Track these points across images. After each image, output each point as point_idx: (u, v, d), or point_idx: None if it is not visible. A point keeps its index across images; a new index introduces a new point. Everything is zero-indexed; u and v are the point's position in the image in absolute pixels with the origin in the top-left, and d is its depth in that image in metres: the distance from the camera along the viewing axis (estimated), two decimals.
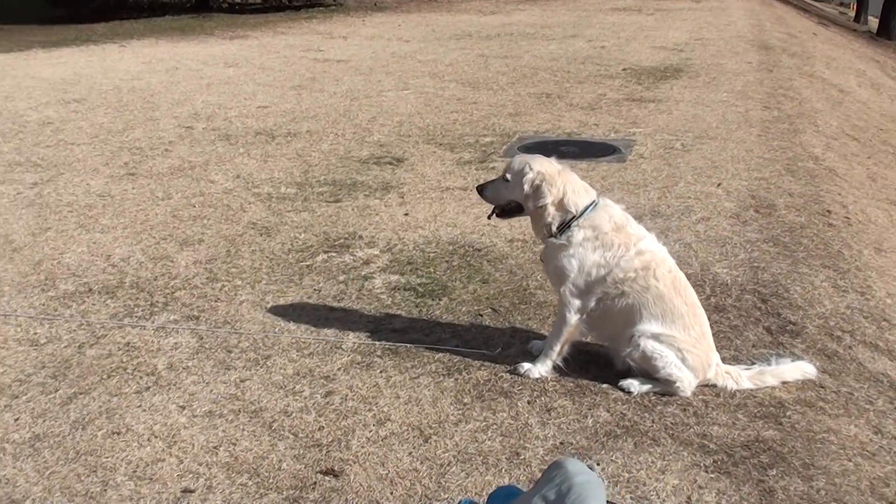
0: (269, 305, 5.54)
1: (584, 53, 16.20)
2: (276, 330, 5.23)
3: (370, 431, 4.14)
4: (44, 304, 5.60)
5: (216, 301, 5.60)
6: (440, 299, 5.57)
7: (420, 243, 6.49)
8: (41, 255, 6.40)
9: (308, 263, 6.18)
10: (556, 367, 4.56)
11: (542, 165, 4.39)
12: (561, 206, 4.36)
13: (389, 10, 24.51)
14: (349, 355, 4.89)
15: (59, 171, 8.47)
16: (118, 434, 4.21)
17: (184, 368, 4.79)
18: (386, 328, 5.21)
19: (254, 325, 5.29)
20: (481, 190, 4.67)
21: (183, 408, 4.41)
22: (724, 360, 4.58)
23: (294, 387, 4.60)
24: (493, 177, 4.90)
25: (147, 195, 7.71)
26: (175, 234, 6.76)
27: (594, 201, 4.41)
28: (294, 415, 4.32)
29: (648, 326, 4.25)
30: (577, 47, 17.12)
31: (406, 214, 7.15)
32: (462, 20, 21.51)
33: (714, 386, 4.42)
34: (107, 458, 4.01)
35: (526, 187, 4.40)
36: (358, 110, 11.09)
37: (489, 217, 4.69)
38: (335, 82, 13.14)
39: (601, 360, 4.64)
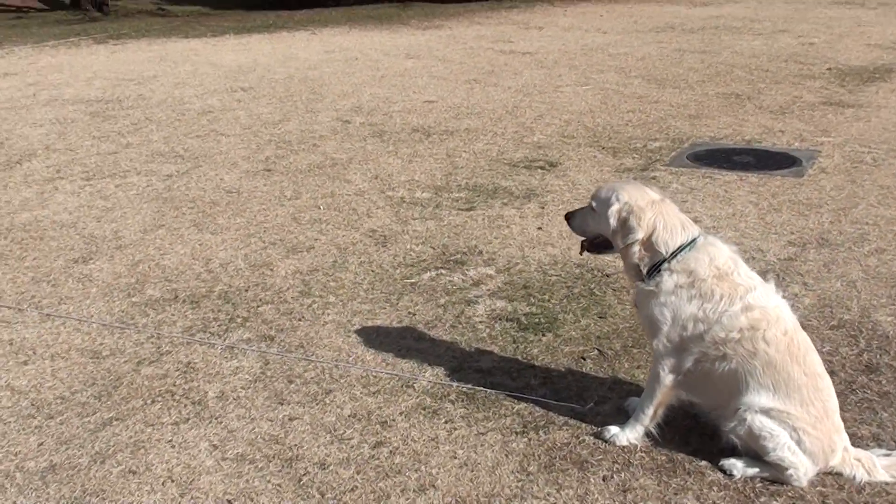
0: (353, 328, 5.19)
1: (789, 50, 15.01)
2: (350, 359, 4.86)
3: (406, 500, 3.67)
4: (123, 311, 5.50)
5: (299, 320, 5.31)
6: (543, 335, 5.02)
7: (545, 263, 5.95)
8: (141, 256, 6.35)
9: (413, 281, 5.79)
10: (648, 434, 3.94)
11: (632, 195, 3.82)
12: (649, 244, 3.78)
13: (598, 0, 23.82)
14: (418, 397, 4.45)
15: (197, 163, 8.53)
16: (133, 473, 3.97)
17: (234, 399, 4.51)
18: (471, 366, 4.72)
19: (328, 351, 4.95)
20: (569, 218, 4.12)
21: (215, 447, 4.12)
22: (859, 438, 3.87)
23: (344, 432, 4.21)
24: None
25: (275, 194, 7.58)
26: (286, 238, 6.56)
27: (693, 240, 3.78)
28: (330, 468, 3.94)
29: (756, 399, 3.59)
30: (782, 43, 15.89)
31: (539, 228, 6.63)
32: (668, 12, 20.55)
33: (839, 475, 3.67)
34: (112, 500, 3.76)
35: (612, 220, 3.85)
36: (527, 107, 10.62)
37: (580, 252, 4.11)
38: (513, 76, 12.72)
39: (707, 430, 3.94)
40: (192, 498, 3.78)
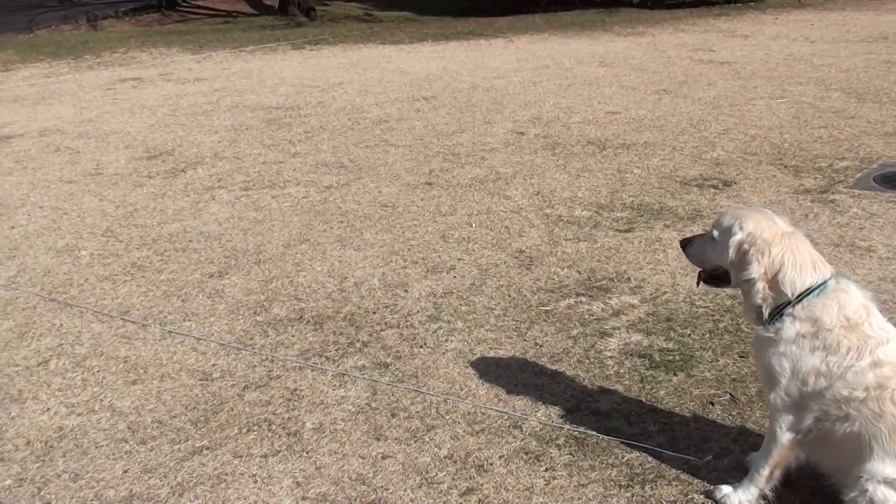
0: (473, 358, 5.04)
1: None
2: (462, 393, 4.71)
3: None
4: (244, 331, 5.57)
5: (420, 346, 5.21)
6: (675, 374, 4.70)
7: (695, 293, 5.60)
8: (278, 272, 6.43)
9: (549, 308, 5.57)
10: (763, 497, 3.61)
11: (759, 225, 3.51)
12: (774, 283, 3.46)
13: (812, 7, 22.49)
14: (523, 439, 4.25)
15: (360, 174, 8.60)
16: None
17: (331, 432, 4.44)
18: (588, 407, 4.48)
19: (441, 382, 4.82)
20: (685, 246, 3.86)
21: (298, 484, 4.07)
22: None
23: (435, 475, 4.07)
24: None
25: (430, 209, 7.52)
26: (429, 258, 6.48)
27: (824, 283, 3.43)
28: None
29: (881, 467, 3.23)
30: None
31: None
32: (885, 21, 19.11)
33: None
34: None
35: (731, 252, 3.55)
36: (713, 120, 10.13)
37: (697, 283, 3.82)
38: (706, 87, 12.18)
39: (832, 494, 3.55)
40: None
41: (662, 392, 4.54)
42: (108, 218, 7.74)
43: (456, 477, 4.02)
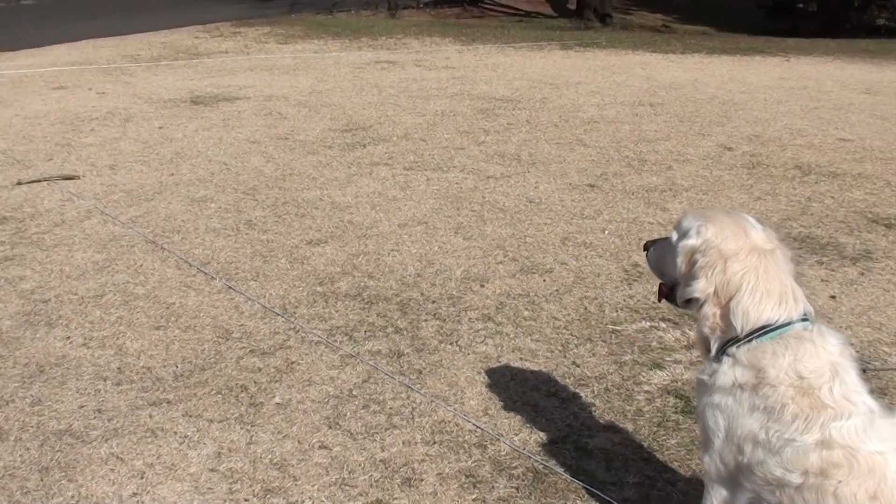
0: (493, 366, 4.62)
1: None
2: (451, 399, 4.27)
3: None
4: (296, 298, 5.41)
5: (450, 343, 4.86)
6: (696, 422, 3.93)
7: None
8: (373, 248, 6.22)
9: (618, 328, 5.02)
10: None
11: (722, 232, 2.79)
12: (726, 311, 2.72)
13: None
14: (478, 460, 3.83)
15: (527, 168, 8.21)
16: (115, 459, 3.74)
17: (291, 411, 4.17)
18: (577, 441, 4.01)
19: (440, 384, 4.47)
20: (647, 248, 3.17)
21: (218, 455, 3.84)
22: None
23: (356, 478, 3.72)
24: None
25: (574, 210, 7.00)
26: (533, 257, 6.01)
27: (787, 323, 2.66)
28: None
29: None
30: None
31: (833, 297, 5.32)
32: None
33: None
34: (74, 480, 3.67)
35: (679, 259, 2.86)
36: None
37: (658, 298, 3.11)
38: None
39: None
40: (139, 500, 3.40)
41: (673, 441, 3.84)
42: (260, 178, 7.73)
43: (374, 485, 3.61)
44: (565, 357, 4.63)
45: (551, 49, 16.28)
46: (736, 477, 2.64)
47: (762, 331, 2.65)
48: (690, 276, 2.78)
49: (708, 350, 2.79)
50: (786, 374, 2.57)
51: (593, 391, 4.28)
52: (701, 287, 2.71)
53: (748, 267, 2.70)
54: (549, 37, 18.24)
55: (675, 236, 2.90)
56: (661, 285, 3.03)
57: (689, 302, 2.82)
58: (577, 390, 4.30)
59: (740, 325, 2.66)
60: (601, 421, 4.05)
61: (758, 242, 2.74)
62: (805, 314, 2.69)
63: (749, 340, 2.64)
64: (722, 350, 2.72)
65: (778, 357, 2.59)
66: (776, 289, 2.67)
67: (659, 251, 3.02)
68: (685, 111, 10.65)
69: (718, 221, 2.79)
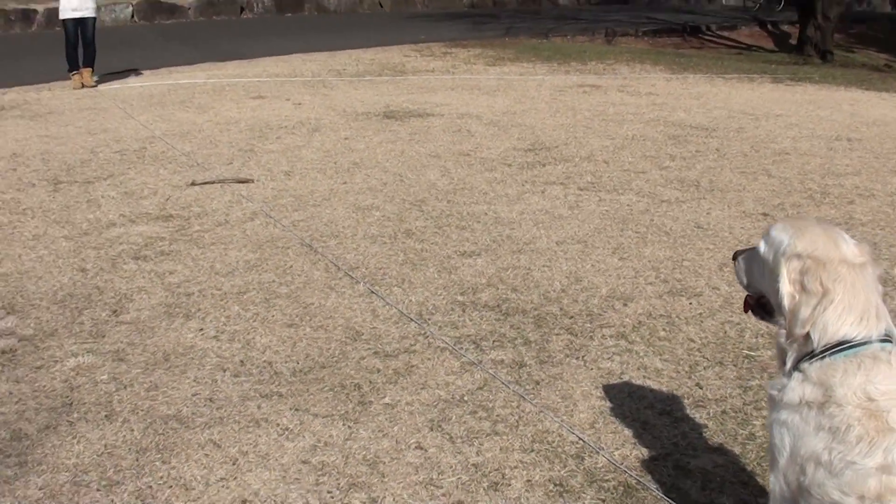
0: (614, 382, 4.55)
1: None
2: (561, 410, 4.23)
3: None
4: (434, 306, 5.53)
5: (576, 358, 4.84)
6: None
7: None
8: (525, 263, 6.26)
9: (753, 353, 4.87)
10: None
11: (815, 242, 2.66)
12: (805, 326, 2.57)
13: None
14: (571, 470, 3.79)
15: (704, 195, 8.04)
16: (213, 445, 3.94)
17: (396, 411, 4.29)
18: (679, 460, 3.91)
19: (555, 396, 4.45)
20: (736, 257, 3.04)
21: (313, 448, 3.94)
22: None
23: (444, 479, 3.75)
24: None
25: (741, 237, 6.80)
26: (685, 280, 5.93)
27: (867, 341, 2.51)
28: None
29: None
30: None
31: None
32: None
33: None
34: (167, 462, 3.85)
35: (766, 270, 2.74)
36: None
37: (745, 310, 2.99)
38: None
39: None
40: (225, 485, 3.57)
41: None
42: (431, 191, 7.90)
43: (460, 487, 3.66)
44: (690, 378, 4.51)
45: (761, 82, 15.81)
46: (797, 499, 2.50)
47: (838, 347, 2.48)
48: (779, 289, 2.63)
49: (784, 364, 2.65)
50: (854, 394, 2.43)
51: (709, 413, 4.16)
52: (787, 295, 2.58)
53: (837, 279, 2.55)
54: (763, 70, 17.70)
55: (763, 246, 2.77)
56: (747, 297, 2.91)
57: (773, 314, 2.68)
58: (693, 411, 4.18)
59: (818, 338, 2.53)
60: (709, 442, 3.93)
61: (847, 255, 2.61)
62: (887, 334, 2.52)
63: (822, 357, 2.50)
64: (796, 366, 2.57)
65: (849, 376, 2.46)
66: (860, 305, 2.54)
67: (747, 261, 2.90)
68: (883, 148, 10.12)
69: (810, 231, 2.67)
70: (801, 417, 2.51)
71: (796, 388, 2.53)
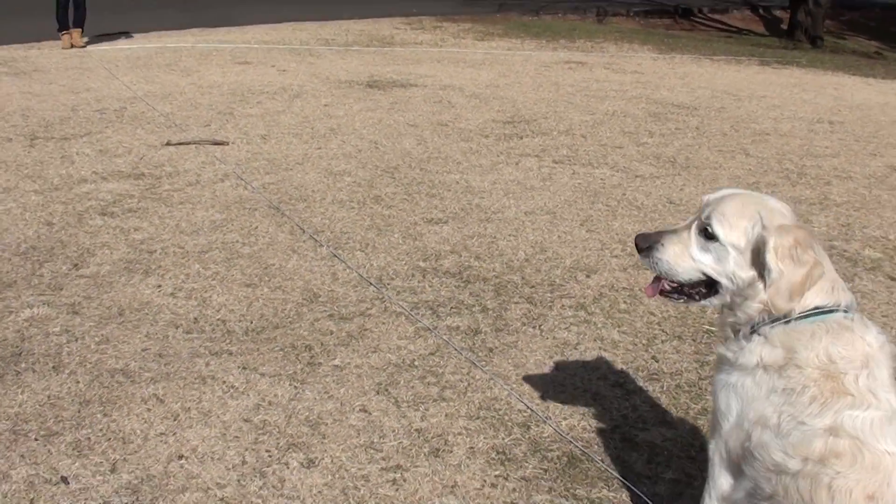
0: (569, 354, 4.45)
1: None
2: (512, 378, 4.14)
3: None
4: (395, 271, 5.38)
5: (533, 327, 4.68)
6: None
7: None
8: (492, 231, 6.15)
9: (712, 329, 4.70)
10: None
11: (785, 215, 2.60)
12: (794, 298, 2.51)
13: None
14: (516, 439, 3.72)
15: (678, 172, 7.94)
16: (157, 400, 3.86)
17: (343, 373, 4.14)
18: (628, 432, 3.87)
19: (508, 364, 4.32)
20: (648, 248, 2.74)
21: (256, 407, 3.86)
22: None
23: (385, 443, 3.69)
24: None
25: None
26: None
27: (831, 310, 2.49)
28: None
29: None
30: None
31: None
32: None
33: None
34: (107, 414, 3.76)
35: (739, 257, 2.58)
36: None
37: (653, 293, 2.80)
38: None
39: None
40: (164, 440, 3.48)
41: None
42: (405, 158, 7.81)
43: (401, 451, 3.59)
44: (647, 351, 4.44)
45: (748, 64, 15.71)
46: (740, 465, 2.44)
47: (808, 313, 2.46)
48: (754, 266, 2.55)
49: (735, 332, 2.56)
50: (817, 356, 2.40)
51: (663, 386, 4.09)
52: (775, 270, 2.47)
53: (820, 248, 2.53)
54: (751, 52, 17.59)
55: (720, 227, 2.60)
56: (661, 283, 2.75)
57: (713, 293, 2.61)
58: (647, 384, 4.11)
59: (798, 306, 2.45)
60: (660, 416, 3.86)
61: (806, 229, 2.54)
62: (848, 305, 2.47)
63: (787, 321, 2.43)
64: (754, 330, 2.50)
65: (815, 339, 2.43)
66: (829, 274, 2.47)
67: (678, 248, 2.70)
68: (864, 131, 10.05)
69: (771, 209, 2.57)
70: (753, 381, 2.48)
71: (755, 350, 2.50)
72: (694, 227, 2.65)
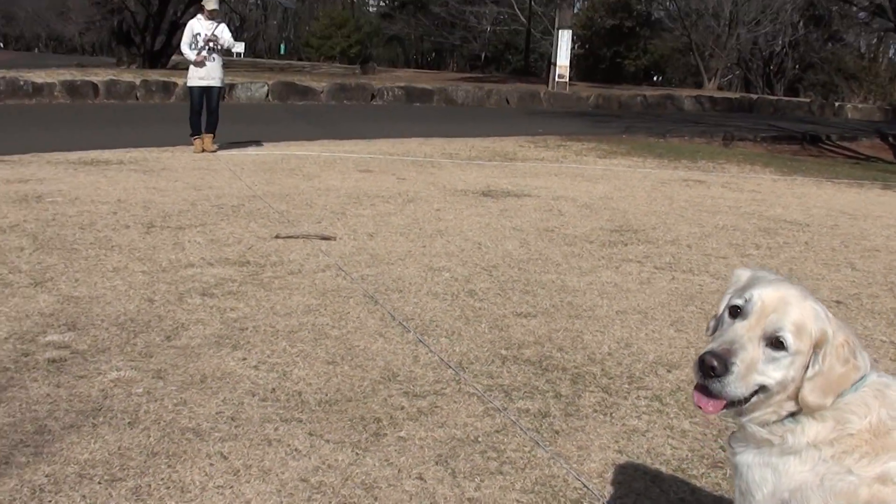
0: (631, 445, 4.36)
1: None
2: (574, 458, 4.11)
3: None
4: (475, 356, 5.46)
5: (605, 415, 4.63)
6: None
7: None
8: (580, 327, 6.15)
9: None
10: None
11: (827, 311, 2.47)
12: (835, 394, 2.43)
13: None
14: None
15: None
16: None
17: (405, 445, 4.17)
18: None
19: (572, 446, 4.25)
20: (719, 375, 2.35)
21: (302, 480, 3.90)
22: None
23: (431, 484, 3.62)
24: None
25: None
26: None
27: (863, 377, 2.40)
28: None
29: None
30: None
31: None
32: None
33: None
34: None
35: (832, 354, 2.40)
36: None
37: (717, 410, 2.45)
38: None
39: None
40: (220, 492, 3.59)
41: None
42: (506, 259, 7.93)
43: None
44: (716, 441, 4.36)
45: (871, 187, 15.43)
46: None
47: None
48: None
49: (763, 425, 2.44)
50: (870, 423, 2.31)
51: (725, 473, 3.98)
52: (825, 370, 2.39)
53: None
54: (874, 177, 17.28)
55: (789, 339, 2.36)
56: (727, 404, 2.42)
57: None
58: (709, 471, 4.02)
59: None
60: (717, 501, 3.73)
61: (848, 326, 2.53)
62: (871, 364, 2.44)
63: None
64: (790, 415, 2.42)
65: (868, 408, 2.34)
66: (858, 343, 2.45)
67: (748, 367, 2.37)
68: None
69: (814, 302, 2.45)
70: (799, 458, 2.35)
71: (807, 431, 2.36)
72: (759, 338, 2.39)
